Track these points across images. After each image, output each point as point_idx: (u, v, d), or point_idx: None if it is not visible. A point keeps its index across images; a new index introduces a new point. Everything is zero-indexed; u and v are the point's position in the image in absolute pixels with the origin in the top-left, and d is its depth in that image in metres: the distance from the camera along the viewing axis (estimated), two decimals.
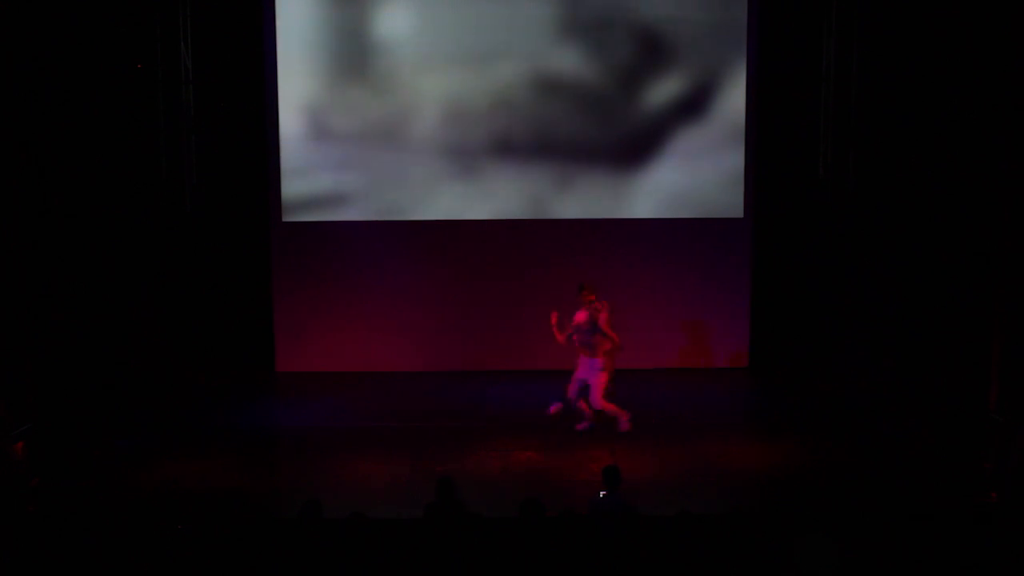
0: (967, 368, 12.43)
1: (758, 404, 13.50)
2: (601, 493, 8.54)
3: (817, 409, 12.61)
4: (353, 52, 13.82)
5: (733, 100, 13.88)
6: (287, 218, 14.08)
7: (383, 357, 14.20)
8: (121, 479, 10.46)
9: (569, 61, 13.81)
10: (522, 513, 7.51)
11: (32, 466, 10.13)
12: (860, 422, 11.98)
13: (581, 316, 11.55)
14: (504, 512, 8.15)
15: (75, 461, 10.87)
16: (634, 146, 14.00)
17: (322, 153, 13.96)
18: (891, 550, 7.41)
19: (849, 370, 13.58)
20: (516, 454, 11.21)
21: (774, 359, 14.40)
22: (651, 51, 13.83)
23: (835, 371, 13.74)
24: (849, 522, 7.99)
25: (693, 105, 13.94)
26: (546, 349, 14.14)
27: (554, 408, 12.26)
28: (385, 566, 7.08)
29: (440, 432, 11.88)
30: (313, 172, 14.00)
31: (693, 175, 14.01)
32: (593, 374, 11.47)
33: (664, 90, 13.89)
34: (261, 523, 7.74)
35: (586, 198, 14.09)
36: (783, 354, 14.41)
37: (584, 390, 11.59)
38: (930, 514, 8.79)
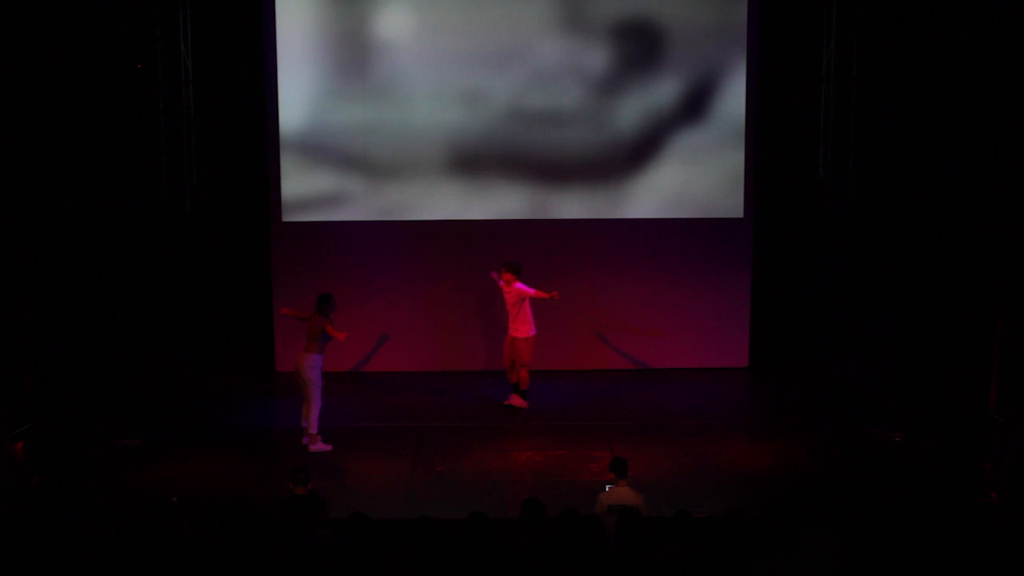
0: (967, 368, 12.44)
1: (758, 404, 13.50)
2: (607, 486, 8.55)
3: (817, 409, 12.61)
4: (353, 52, 13.81)
5: (733, 100, 13.87)
6: (287, 218, 14.07)
7: (383, 357, 14.20)
8: (121, 479, 10.46)
9: (569, 61, 13.80)
10: (524, 513, 7.51)
11: (32, 466, 10.13)
12: (859, 422, 11.98)
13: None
14: (504, 512, 8.16)
15: (75, 461, 10.87)
16: (634, 146, 13.99)
17: (322, 153, 13.96)
18: (891, 550, 7.42)
19: (849, 370, 13.58)
20: (516, 454, 11.21)
21: (774, 359, 14.40)
22: (652, 51, 13.82)
23: (835, 371, 13.74)
24: (849, 522, 7.99)
25: (693, 105, 13.93)
26: (545, 349, 14.19)
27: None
28: (385, 566, 7.08)
29: (440, 432, 11.88)
30: (313, 172, 14.00)
31: (693, 175, 14.00)
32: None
33: (664, 90, 13.88)
34: (260, 523, 7.74)
35: (586, 198, 14.09)
36: (783, 354, 14.41)
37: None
38: (930, 514, 8.79)
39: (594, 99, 13.87)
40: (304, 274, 14.13)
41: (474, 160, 13.97)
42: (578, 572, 7.02)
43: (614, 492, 8.47)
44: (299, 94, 13.83)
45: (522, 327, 12.58)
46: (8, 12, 11.81)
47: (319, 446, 11.39)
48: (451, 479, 10.64)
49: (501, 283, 12.69)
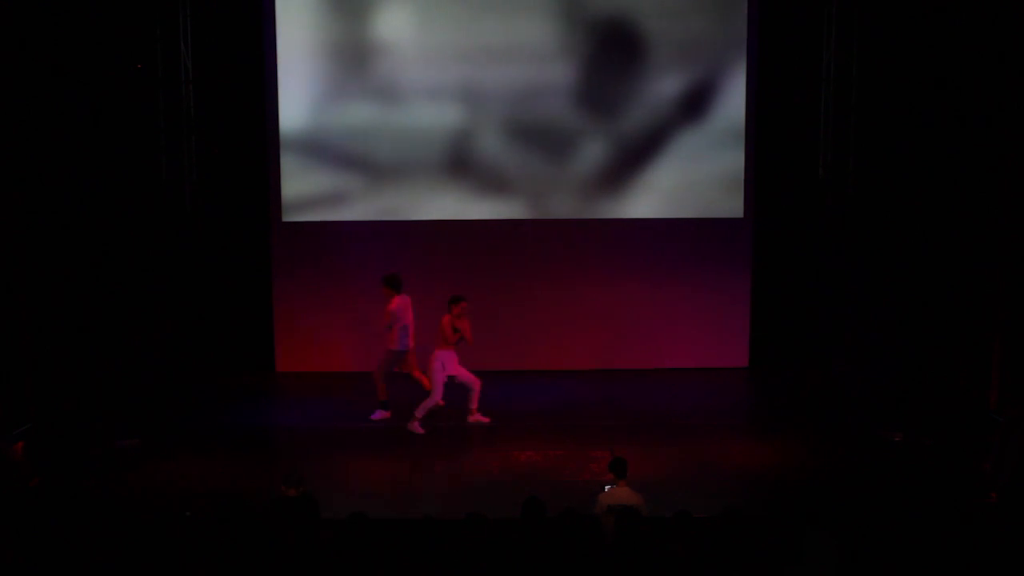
0: (967, 368, 12.44)
1: (758, 404, 13.50)
2: (607, 487, 8.55)
3: (817, 409, 12.61)
4: (353, 52, 13.82)
5: (733, 101, 13.89)
6: (287, 218, 14.08)
7: None
8: (121, 479, 10.46)
9: (570, 61, 13.81)
10: (525, 512, 7.51)
11: (32, 466, 10.12)
12: (860, 422, 11.98)
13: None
14: (504, 512, 8.15)
15: (75, 461, 10.87)
16: (634, 146, 14.00)
17: (322, 153, 13.97)
18: (891, 550, 7.42)
19: (849, 370, 13.57)
20: (516, 454, 11.21)
21: (774, 359, 14.40)
22: (652, 51, 13.83)
23: (835, 371, 13.74)
24: (849, 522, 7.99)
25: (694, 105, 13.94)
26: (546, 349, 14.22)
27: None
28: (385, 566, 7.08)
29: (440, 432, 11.88)
30: (313, 172, 14.01)
31: (693, 175, 14.01)
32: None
33: (665, 90, 13.90)
34: (260, 523, 7.73)
35: (586, 198, 14.10)
36: (783, 354, 14.41)
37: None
38: (930, 514, 8.79)
39: (595, 99, 13.88)
40: (304, 274, 14.16)
41: (474, 160, 13.98)
42: (578, 572, 7.02)
43: (614, 492, 8.46)
44: (299, 94, 13.84)
45: (392, 339, 12.26)
46: (8, 12, 11.80)
47: (415, 426, 11.79)
48: (451, 479, 10.64)
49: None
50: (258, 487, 10.01)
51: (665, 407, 12.87)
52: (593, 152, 14.00)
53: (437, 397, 11.92)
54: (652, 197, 14.09)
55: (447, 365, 11.95)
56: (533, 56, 13.75)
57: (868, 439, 11.52)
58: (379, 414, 12.35)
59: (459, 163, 13.98)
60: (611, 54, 13.85)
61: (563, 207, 14.12)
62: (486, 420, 12.16)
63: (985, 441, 10.45)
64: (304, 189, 14.04)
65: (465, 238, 14.12)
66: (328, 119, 13.91)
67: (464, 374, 12.11)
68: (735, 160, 13.99)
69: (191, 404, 12.98)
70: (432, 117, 13.84)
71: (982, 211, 12.24)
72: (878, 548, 7.42)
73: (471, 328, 12.04)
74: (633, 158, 14.02)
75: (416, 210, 14.09)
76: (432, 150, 13.92)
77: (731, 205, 14.10)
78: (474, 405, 12.17)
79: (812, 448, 11.34)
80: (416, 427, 11.84)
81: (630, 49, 13.83)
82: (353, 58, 13.83)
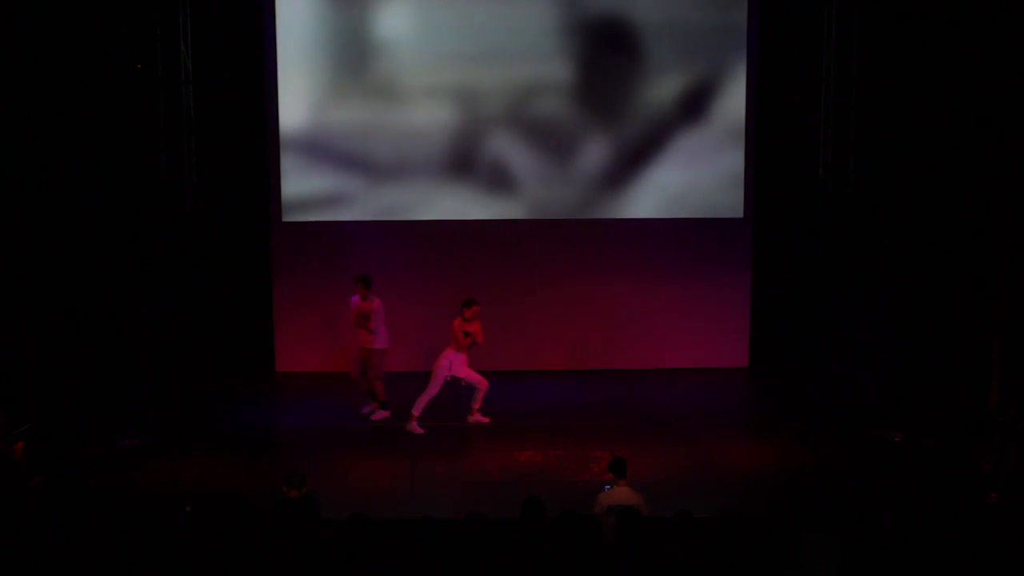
0: (967, 368, 12.44)
1: (758, 404, 13.50)
2: (606, 487, 8.55)
3: (817, 409, 12.61)
4: (353, 52, 13.82)
5: (733, 101, 13.88)
6: (287, 218, 14.07)
7: None
8: (121, 479, 10.46)
9: (570, 61, 13.81)
10: (525, 512, 7.51)
11: (32, 466, 10.12)
12: (860, 422, 11.98)
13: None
14: (504, 512, 8.16)
15: (75, 461, 10.86)
16: (634, 146, 14.00)
17: (322, 153, 13.96)
18: (891, 550, 7.42)
19: (849, 370, 13.57)
20: (516, 454, 11.21)
21: (774, 359, 14.39)
22: (652, 51, 13.83)
23: (835, 371, 13.73)
24: (849, 522, 7.98)
25: (694, 105, 13.93)
26: (546, 349, 14.21)
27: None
28: (385, 566, 7.08)
29: (440, 432, 11.88)
30: (313, 172, 14.00)
31: (693, 175, 14.01)
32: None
33: (665, 90, 13.89)
34: (260, 523, 7.74)
35: (586, 198, 14.09)
36: (783, 354, 14.41)
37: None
38: (930, 514, 8.78)
39: (594, 99, 13.87)
40: (304, 274, 14.15)
41: (474, 160, 13.97)
42: (578, 572, 7.02)
43: (614, 492, 8.47)
44: (299, 94, 13.83)
45: (379, 338, 12.30)
46: (8, 12, 11.81)
47: (413, 426, 11.83)
48: (451, 479, 10.64)
49: (357, 298, 12.27)
50: (259, 487, 10.01)
51: (665, 407, 12.88)
52: (593, 152, 14.00)
53: (433, 391, 11.91)
54: (652, 197, 14.08)
55: (455, 366, 11.98)
56: (533, 56, 13.74)
57: (868, 439, 11.53)
58: (379, 414, 12.36)
59: (459, 163, 13.98)
60: (611, 54, 13.84)
61: (563, 207, 14.11)
62: (486, 420, 12.16)
63: (985, 441, 10.46)
64: (304, 189, 14.04)
65: (465, 238, 14.12)
66: (328, 119, 13.90)
67: (472, 376, 12.12)
68: (735, 160, 13.99)
69: (191, 404, 12.97)
70: (432, 117, 13.83)
71: (982, 211, 12.24)
72: (878, 548, 7.42)
73: (483, 331, 12.01)
74: (633, 158, 14.01)
75: (416, 210, 14.09)
76: (432, 150, 13.91)
77: (731, 205, 14.10)
78: (476, 405, 12.18)
79: (812, 448, 11.34)
80: (415, 427, 11.84)
81: (630, 49, 13.83)
82: (353, 58, 13.83)
